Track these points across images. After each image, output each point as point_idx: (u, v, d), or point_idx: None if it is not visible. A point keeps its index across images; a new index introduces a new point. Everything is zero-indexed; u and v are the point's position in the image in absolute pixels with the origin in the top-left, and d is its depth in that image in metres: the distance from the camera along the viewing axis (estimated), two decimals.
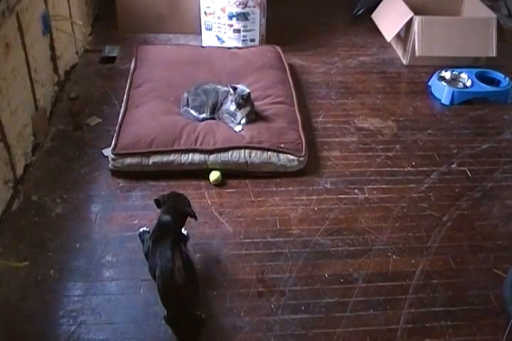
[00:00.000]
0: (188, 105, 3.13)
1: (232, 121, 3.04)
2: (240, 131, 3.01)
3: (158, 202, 2.28)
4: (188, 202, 2.32)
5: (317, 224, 2.65)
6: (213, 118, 3.11)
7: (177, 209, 2.24)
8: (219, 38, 4.06)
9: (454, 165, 3.08)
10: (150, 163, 2.85)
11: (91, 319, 2.18)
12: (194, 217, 2.28)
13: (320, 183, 2.91)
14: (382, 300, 2.30)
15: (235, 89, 3.02)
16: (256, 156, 2.90)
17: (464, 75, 3.77)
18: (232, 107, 3.00)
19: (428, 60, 3.98)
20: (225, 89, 3.15)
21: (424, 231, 2.64)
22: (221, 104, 3.12)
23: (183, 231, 2.39)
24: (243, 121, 3.04)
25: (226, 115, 3.06)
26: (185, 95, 3.16)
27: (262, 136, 2.97)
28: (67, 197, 2.74)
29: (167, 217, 2.19)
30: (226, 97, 3.09)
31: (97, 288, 2.30)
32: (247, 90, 3.02)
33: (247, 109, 3.04)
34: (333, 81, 3.84)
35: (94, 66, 3.86)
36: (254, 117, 3.10)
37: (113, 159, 2.86)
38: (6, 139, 2.61)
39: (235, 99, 2.98)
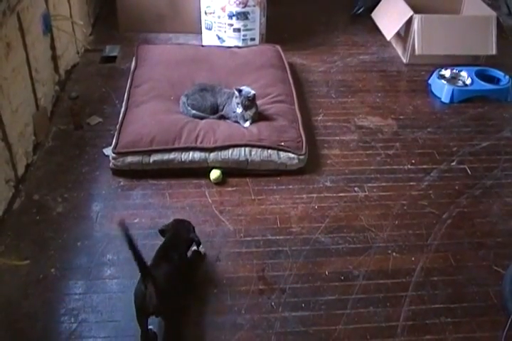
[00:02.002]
0: (194, 109, 3.12)
1: (240, 119, 3.06)
2: (248, 126, 3.04)
3: (163, 232, 2.32)
4: (193, 228, 2.35)
5: (317, 222, 2.66)
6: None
7: (180, 237, 2.29)
8: (219, 37, 4.07)
9: (453, 163, 3.08)
10: (151, 161, 2.86)
11: (92, 317, 2.19)
12: (198, 242, 2.34)
13: (320, 181, 2.91)
14: (383, 298, 2.30)
15: (240, 91, 3.02)
16: (256, 154, 2.90)
17: (463, 73, 3.78)
18: (239, 110, 3.01)
19: (428, 58, 3.99)
20: (226, 90, 3.17)
21: (424, 228, 2.65)
22: (223, 106, 3.13)
23: (201, 249, 2.45)
24: (248, 123, 3.06)
25: (232, 115, 3.08)
26: (184, 99, 3.16)
27: (262, 134, 2.98)
28: (68, 196, 2.75)
29: (168, 245, 2.23)
30: (229, 98, 3.10)
31: (98, 286, 2.31)
32: (253, 92, 3.03)
33: (253, 110, 3.05)
34: (333, 79, 3.85)
35: (94, 65, 3.87)
36: (257, 117, 3.10)
37: (114, 158, 2.87)
38: (7, 138, 2.62)
39: (241, 102, 2.99)
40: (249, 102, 3.01)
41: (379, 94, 3.70)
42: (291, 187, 2.87)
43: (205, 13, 4.02)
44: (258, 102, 3.16)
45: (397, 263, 2.46)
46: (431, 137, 3.28)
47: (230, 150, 2.90)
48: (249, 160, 2.90)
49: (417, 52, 3.92)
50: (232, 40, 4.04)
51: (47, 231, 2.55)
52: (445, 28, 3.95)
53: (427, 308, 2.27)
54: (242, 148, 2.91)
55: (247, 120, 3.06)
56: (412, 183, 2.92)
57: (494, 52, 3.92)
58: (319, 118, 3.42)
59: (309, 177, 2.94)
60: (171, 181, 2.87)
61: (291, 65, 3.88)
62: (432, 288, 2.35)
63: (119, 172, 2.90)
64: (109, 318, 2.19)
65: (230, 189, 2.85)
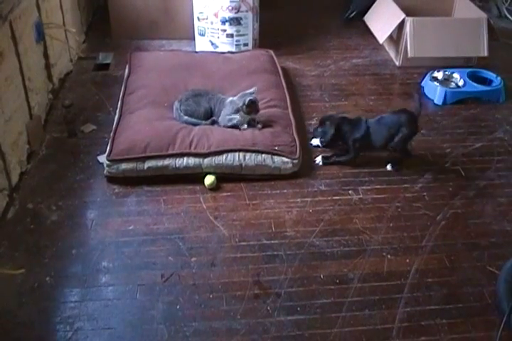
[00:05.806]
0: (187, 115, 3.13)
1: (238, 125, 3.08)
2: (245, 128, 3.07)
3: None
4: None
5: (312, 226, 2.66)
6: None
7: None
8: (212, 43, 4.08)
9: (447, 165, 3.09)
10: (145, 168, 2.87)
11: (88, 325, 2.18)
12: None
13: (314, 185, 2.92)
14: (378, 300, 2.30)
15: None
16: (250, 159, 2.91)
17: (456, 75, 3.80)
18: (242, 118, 3.04)
19: (420, 60, 4.01)
20: (220, 95, 3.18)
21: (419, 230, 2.65)
22: (218, 111, 3.13)
23: None
24: (246, 125, 3.08)
25: (228, 122, 3.08)
26: (177, 105, 3.17)
27: (256, 139, 2.99)
28: (63, 204, 2.75)
29: None
30: (224, 107, 3.10)
31: (93, 293, 2.31)
32: (252, 91, 3.07)
33: (254, 115, 3.08)
34: (326, 83, 3.86)
35: (88, 73, 3.88)
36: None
37: (108, 165, 2.87)
38: (0, 147, 2.62)
39: (244, 108, 3.01)
40: (255, 107, 3.04)
41: (372, 97, 3.71)
42: (285, 191, 2.88)
43: (198, 19, 4.04)
44: None
45: (392, 265, 2.47)
46: (424, 139, 3.29)
47: (224, 156, 2.90)
48: (244, 165, 2.91)
49: (409, 55, 3.94)
50: (225, 45, 4.06)
51: (41, 239, 2.55)
52: (437, 30, 3.98)
53: (422, 310, 2.27)
54: (236, 153, 2.91)
55: (243, 124, 3.07)
56: (406, 185, 2.93)
57: (486, 53, 3.94)
58: (313, 122, 3.41)
59: (303, 182, 2.95)
60: (165, 187, 2.87)
61: (284, 69, 3.90)
62: (427, 289, 2.36)
63: (113, 179, 2.90)
64: (105, 326, 2.18)
65: (224, 194, 2.85)
